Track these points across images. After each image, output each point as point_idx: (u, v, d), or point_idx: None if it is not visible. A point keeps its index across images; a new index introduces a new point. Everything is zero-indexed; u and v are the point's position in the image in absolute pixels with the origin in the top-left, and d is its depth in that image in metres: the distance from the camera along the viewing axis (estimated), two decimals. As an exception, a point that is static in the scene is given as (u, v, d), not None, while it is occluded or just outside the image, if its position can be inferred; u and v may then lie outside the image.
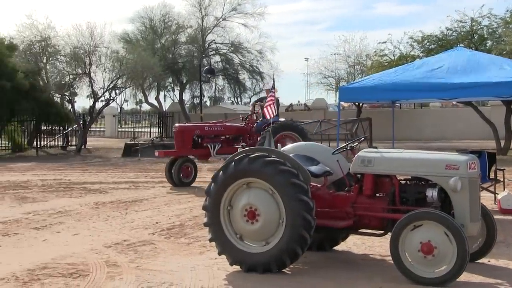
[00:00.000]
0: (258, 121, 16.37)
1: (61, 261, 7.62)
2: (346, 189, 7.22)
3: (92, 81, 30.17)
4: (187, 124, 16.61)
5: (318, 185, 7.28)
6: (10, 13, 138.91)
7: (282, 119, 16.35)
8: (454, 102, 32.56)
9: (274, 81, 12.14)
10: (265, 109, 11.24)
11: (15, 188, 15.15)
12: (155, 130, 40.19)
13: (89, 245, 8.53)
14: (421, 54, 26.08)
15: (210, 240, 7.15)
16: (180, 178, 14.83)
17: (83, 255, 7.90)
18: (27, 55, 29.52)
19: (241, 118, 17.38)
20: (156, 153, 15.97)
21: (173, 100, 47.56)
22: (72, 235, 9.34)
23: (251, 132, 16.34)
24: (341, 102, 16.23)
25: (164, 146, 26.27)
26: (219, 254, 7.04)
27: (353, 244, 8.18)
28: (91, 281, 6.70)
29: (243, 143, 15.61)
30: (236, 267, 6.93)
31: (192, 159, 15.41)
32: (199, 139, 15.88)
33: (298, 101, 57.03)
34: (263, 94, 59.06)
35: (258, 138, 15.40)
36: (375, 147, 7.35)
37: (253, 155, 6.84)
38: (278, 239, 6.65)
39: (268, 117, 11.25)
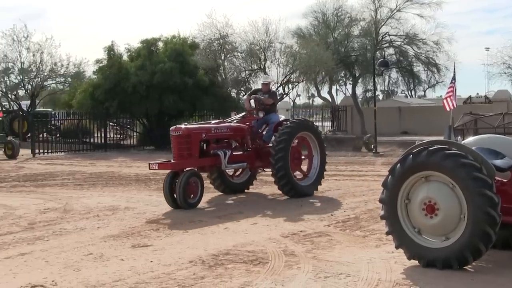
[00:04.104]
0: (257, 120, 13.36)
1: (241, 248, 7.98)
2: (536, 184, 6.76)
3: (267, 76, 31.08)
4: (191, 126, 12.61)
5: (504, 180, 6.90)
6: (192, 13, 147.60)
7: (282, 117, 13.64)
8: None
9: (454, 73, 11.62)
10: (444, 100, 10.88)
11: (197, 179, 16.07)
12: (327, 124, 40.46)
13: (267, 234, 8.84)
14: None
15: (387, 234, 7.09)
16: (186, 198, 11.28)
17: (262, 244, 8.21)
18: (207, 53, 31.12)
19: (234, 116, 13.90)
20: (155, 166, 11.82)
21: (345, 94, 47.53)
22: (251, 224, 9.74)
23: (251, 133, 13.16)
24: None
25: (337, 140, 26.50)
26: (396, 247, 6.96)
27: (543, 243, 7.65)
28: (270, 268, 6.94)
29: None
30: (414, 262, 6.80)
31: (198, 172, 11.89)
32: (205, 145, 12.49)
33: (477, 93, 54.23)
34: (439, 88, 56.74)
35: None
36: None
37: (433, 147, 6.66)
38: (459, 235, 6.42)
39: (448, 109, 10.86)
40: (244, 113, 13.67)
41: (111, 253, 7.86)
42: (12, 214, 11.06)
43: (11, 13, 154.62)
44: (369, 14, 34.69)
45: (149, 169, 12.10)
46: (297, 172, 13.04)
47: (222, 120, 13.87)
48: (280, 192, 12.59)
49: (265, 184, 14.52)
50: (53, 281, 6.60)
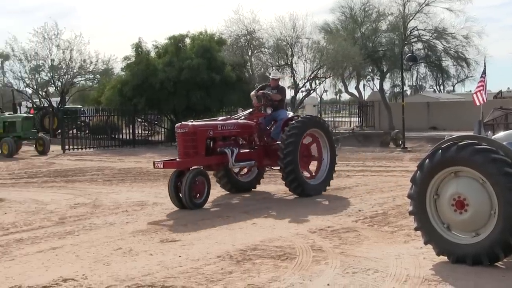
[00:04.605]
0: (265, 116, 12.81)
1: (269, 243, 8.00)
2: None
3: (294, 71, 31.05)
4: (198, 123, 11.96)
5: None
6: (219, 9, 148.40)
7: (290, 113, 13.10)
8: None
9: (485, 67, 11.43)
10: (474, 95, 10.78)
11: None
12: (354, 119, 40.28)
13: (295, 230, 8.85)
14: None
15: (416, 229, 7.05)
16: (192, 198, 10.89)
17: (289, 239, 8.22)
18: (234, 49, 31.16)
19: (241, 112, 13.43)
20: (160, 165, 11.48)
21: (372, 89, 47.22)
22: (278, 220, 9.75)
23: (259, 130, 12.64)
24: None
25: (364, 136, 26.34)
26: (425, 243, 6.92)
27: None
28: (298, 264, 6.95)
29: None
30: (443, 258, 6.76)
31: (204, 171, 11.52)
32: (211, 143, 12.01)
33: (508, 88, 53.45)
34: (469, 82, 55.93)
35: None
36: None
37: (462, 142, 6.60)
38: (489, 231, 6.35)
39: (478, 104, 10.74)
40: (251, 109, 13.15)
41: (140, 247, 7.95)
42: (44, 209, 11.25)
43: (42, 11, 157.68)
44: (397, 8, 34.43)
45: (154, 167, 11.75)
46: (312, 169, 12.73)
47: (229, 117, 13.24)
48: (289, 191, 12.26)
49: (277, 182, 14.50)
50: (83, 274, 6.70)
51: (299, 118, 12.36)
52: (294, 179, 11.81)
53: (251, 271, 6.70)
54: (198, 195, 11.01)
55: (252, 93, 13.09)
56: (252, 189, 13.07)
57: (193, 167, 11.29)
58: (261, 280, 6.34)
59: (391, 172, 16.00)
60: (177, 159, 11.54)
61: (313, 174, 12.67)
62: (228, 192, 12.78)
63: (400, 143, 24.07)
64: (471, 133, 7.29)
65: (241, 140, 12.65)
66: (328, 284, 6.11)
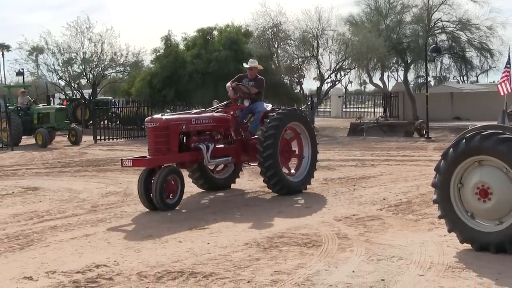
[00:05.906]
0: (242, 109, 11.90)
1: (295, 231, 8.16)
2: None
3: (320, 63, 31.06)
4: (170, 117, 10.94)
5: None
6: (246, 2, 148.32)
7: (269, 106, 12.05)
8: None
9: (509, 57, 11.39)
10: (498, 85, 10.80)
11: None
12: (379, 110, 40.18)
13: (320, 218, 9.00)
14: None
15: (440, 217, 7.14)
16: (163, 198, 9.97)
17: (315, 227, 8.37)
18: (261, 41, 31.25)
19: (216, 104, 12.28)
20: (128, 163, 10.40)
21: (396, 80, 47.01)
22: (304, 208, 9.92)
23: (236, 124, 11.74)
24: None
25: (389, 126, 26.31)
26: (449, 231, 7.01)
27: None
28: (323, 251, 7.08)
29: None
30: (467, 245, 6.85)
31: (178, 169, 10.60)
32: (185, 138, 11.07)
33: (534, 78, 52.59)
34: (492, 73, 55.20)
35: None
36: None
37: (486, 132, 6.67)
38: (513, 219, 6.44)
39: (502, 94, 10.74)
40: (227, 102, 12.15)
41: (169, 235, 8.15)
42: (76, 197, 11.57)
43: (75, 6, 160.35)
44: (421, 0, 34.22)
45: (121, 165, 10.81)
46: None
47: (203, 109, 12.21)
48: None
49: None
50: (115, 261, 6.92)
51: (279, 111, 11.49)
52: (273, 175, 11.01)
53: (278, 258, 6.84)
54: (170, 195, 10.15)
55: (228, 84, 12.13)
56: (228, 187, 12.26)
57: (165, 165, 10.40)
58: (288, 267, 6.48)
59: (415, 161, 16.04)
60: (148, 156, 10.59)
61: (294, 170, 11.92)
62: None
63: (424, 133, 24.08)
64: (495, 123, 7.34)
65: (217, 135, 11.72)
66: (353, 271, 6.23)
